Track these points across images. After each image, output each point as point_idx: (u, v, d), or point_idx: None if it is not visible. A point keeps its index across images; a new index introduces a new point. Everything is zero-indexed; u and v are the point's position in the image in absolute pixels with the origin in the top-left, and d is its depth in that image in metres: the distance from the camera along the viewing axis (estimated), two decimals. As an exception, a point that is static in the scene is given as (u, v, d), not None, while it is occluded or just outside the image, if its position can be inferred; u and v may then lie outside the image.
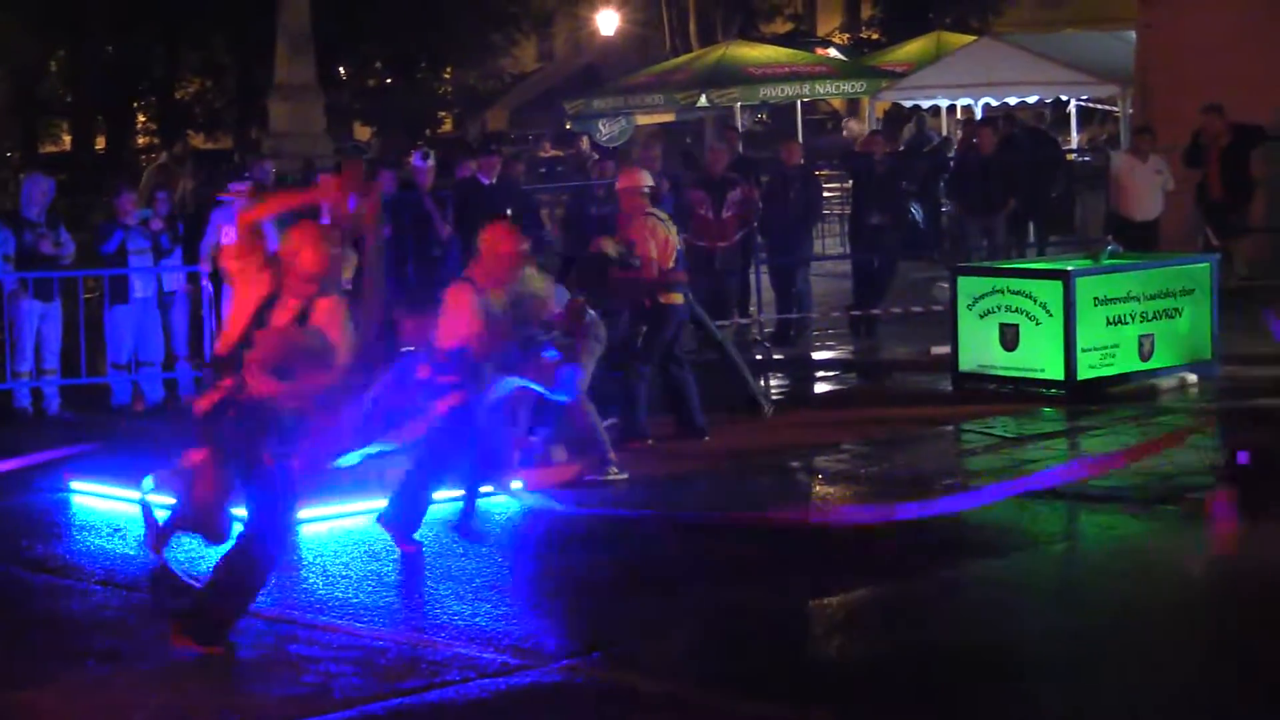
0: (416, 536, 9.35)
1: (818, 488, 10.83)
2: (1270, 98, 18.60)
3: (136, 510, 8.99)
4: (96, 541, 9.91)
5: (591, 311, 10.84)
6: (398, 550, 9.26)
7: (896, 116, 30.75)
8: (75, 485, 10.93)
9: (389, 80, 42.89)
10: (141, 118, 42.92)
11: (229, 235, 14.27)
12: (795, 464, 11.30)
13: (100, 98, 38.38)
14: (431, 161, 15.49)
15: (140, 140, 42.19)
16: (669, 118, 35.41)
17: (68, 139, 42.19)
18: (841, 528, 9.03)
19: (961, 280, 13.58)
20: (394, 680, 7.31)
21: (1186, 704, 6.89)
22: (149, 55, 39.18)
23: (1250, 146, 17.72)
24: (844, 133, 20.75)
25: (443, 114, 44.90)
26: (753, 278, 17.19)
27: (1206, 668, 7.31)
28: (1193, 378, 13.42)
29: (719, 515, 9.66)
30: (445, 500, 10.27)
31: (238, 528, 7.81)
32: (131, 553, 9.59)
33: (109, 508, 10.59)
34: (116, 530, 10.08)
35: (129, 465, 11.40)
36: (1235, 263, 17.35)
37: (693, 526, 9.62)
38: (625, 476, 10.74)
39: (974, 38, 31.69)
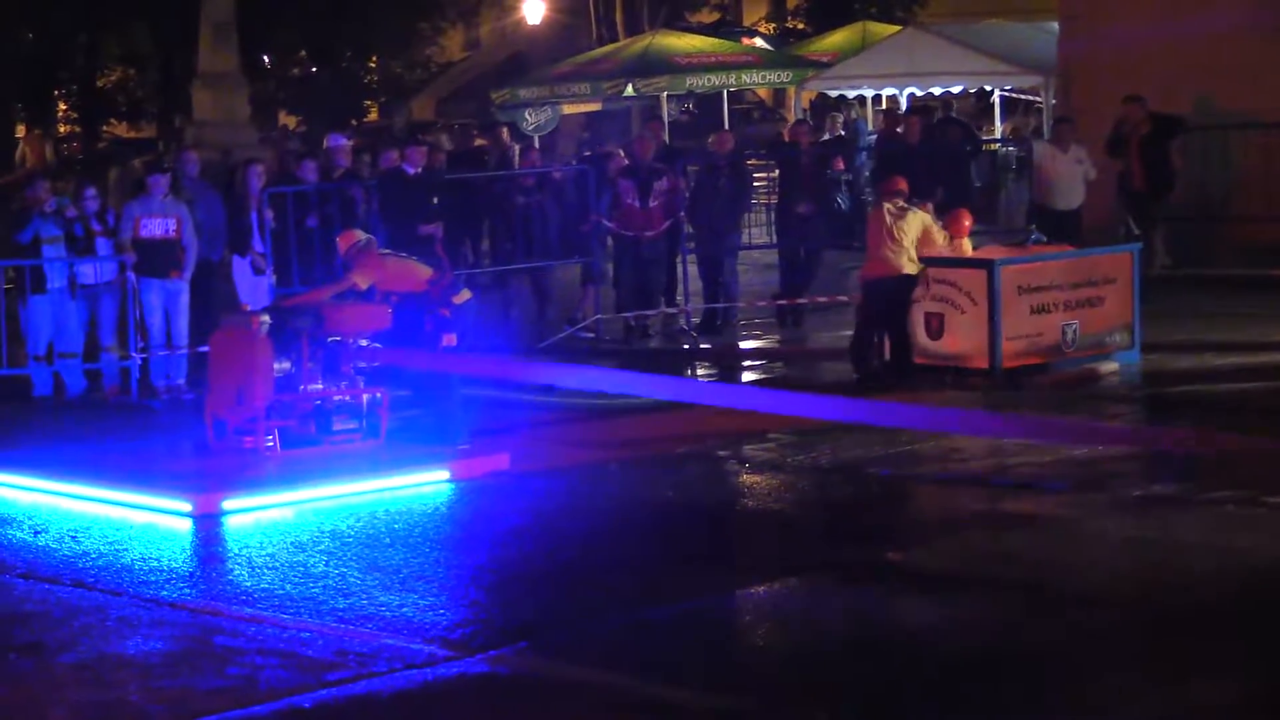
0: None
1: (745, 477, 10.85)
2: (1190, 89, 18.79)
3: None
4: (18, 535, 9.79)
5: None
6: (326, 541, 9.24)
7: (823, 106, 30.82)
8: (-6, 478, 10.80)
9: (314, 69, 42.57)
10: (63, 106, 42.41)
11: (145, 227, 14.15)
12: (723, 453, 11.30)
13: (20, 86, 37.88)
14: (348, 141, 15.37)
15: (62, 129, 41.69)
16: (595, 107, 35.32)
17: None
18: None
19: (887, 269, 13.59)
20: (320, 672, 7.26)
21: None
22: (70, 44, 38.72)
23: (1170, 136, 17.87)
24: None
25: (368, 103, 44.61)
26: (680, 267, 17.19)
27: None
28: (1114, 365, 13.54)
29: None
30: (377, 491, 10.25)
31: None
32: (53, 546, 9.49)
33: (30, 500, 10.47)
34: (37, 524, 9.97)
35: (49, 458, 11.31)
36: (1157, 252, 17.52)
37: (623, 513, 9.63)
38: None
39: (899, 28, 31.81)
